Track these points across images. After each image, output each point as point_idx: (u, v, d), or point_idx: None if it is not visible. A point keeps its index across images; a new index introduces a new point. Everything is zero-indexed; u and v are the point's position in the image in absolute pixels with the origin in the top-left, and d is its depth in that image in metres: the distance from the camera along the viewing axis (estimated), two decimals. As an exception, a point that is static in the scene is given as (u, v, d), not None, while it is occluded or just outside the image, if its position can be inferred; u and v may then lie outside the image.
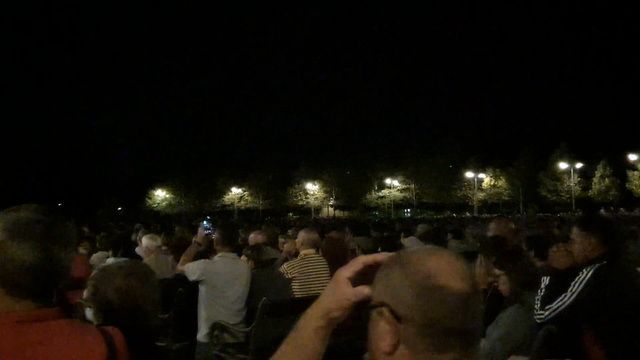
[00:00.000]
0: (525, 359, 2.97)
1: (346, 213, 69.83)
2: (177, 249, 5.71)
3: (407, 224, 18.58)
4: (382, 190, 68.27)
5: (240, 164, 70.06)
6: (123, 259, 4.79)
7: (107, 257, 5.87)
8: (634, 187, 56.88)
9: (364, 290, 1.07)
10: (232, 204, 69.99)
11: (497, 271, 3.46)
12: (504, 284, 3.40)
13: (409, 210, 70.30)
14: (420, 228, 10.01)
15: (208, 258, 5.12)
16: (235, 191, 69.37)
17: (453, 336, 0.97)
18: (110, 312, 1.83)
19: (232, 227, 5.47)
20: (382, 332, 1.00)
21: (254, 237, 6.45)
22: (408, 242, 8.47)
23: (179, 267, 4.88)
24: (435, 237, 7.42)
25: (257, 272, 4.92)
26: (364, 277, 1.10)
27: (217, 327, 4.54)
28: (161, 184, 70.55)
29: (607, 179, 59.33)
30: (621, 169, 58.39)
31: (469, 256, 4.87)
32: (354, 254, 6.24)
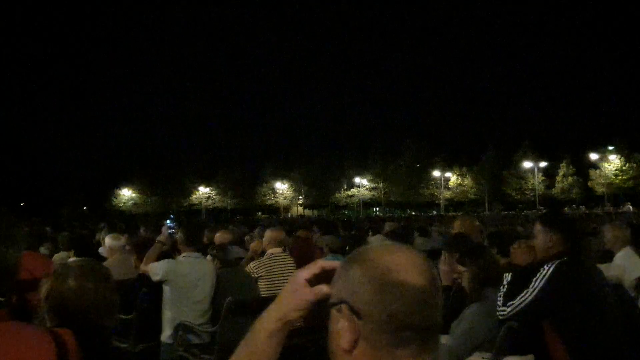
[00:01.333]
0: (488, 355, 2.99)
1: (315, 212, 69.95)
2: (141, 248, 5.60)
3: (375, 222, 18.70)
4: (351, 189, 68.63)
5: (208, 162, 69.54)
6: (81, 258, 4.68)
7: (69, 257, 5.74)
8: (595, 186, 58.38)
9: (323, 289, 1.07)
10: (200, 203, 69.37)
11: (460, 267, 3.49)
12: (466, 280, 3.43)
13: (377, 208, 70.85)
14: (388, 226, 10.08)
15: (172, 258, 5.04)
16: (203, 190, 68.78)
17: (412, 331, 0.96)
18: (65, 313, 1.77)
19: (196, 227, 5.41)
20: (341, 329, 1.00)
21: (220, 237, 6.39)
22: (375, 240, 8.51)
23: (142, 267, 4.80)
24: (402, 235, 7.47)
25: (222, 272, 4.87)
26: (322, 279, 1.09)
27: (181, 328, 4.47)
28: (127, 183, 69.48)
29: (569, 178, 60.76)
30: (583, 167, 59.86)
31: (435, 253, 4.91)
32: (321, 253, 6.23)
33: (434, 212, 57.52)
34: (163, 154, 79.62)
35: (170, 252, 5.61)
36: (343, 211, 69.10)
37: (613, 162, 57.06)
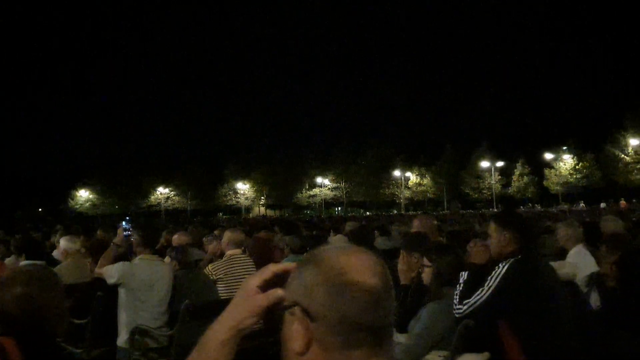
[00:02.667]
0: (445, 354, 3.03)
1: (277, 212, 69.76)
2: (96, 251, 5.47)
3: (336, 222, 18.74)
4: (313, 189, 68.73)
5: (166, 162, 68.46)
6: (30, 263, 4.56)
7: (20, 261, 5.55)
8: (550, 185, 59.97)
9: (276, 292, 1.06)
10: (159, 204, 68.30)
11: (425, 261, 3.52)
12: (428, 277, 3.47)
13: (339, 208, 71.19)
14: (349, 226, 10.11)
15: (128, 260, 4.94)
16: (162, 191, 67.74)
17: (365, 332, 0.97)
18: (9, 321, 1.70)
19: (152, 228, 5.32)
20: (294, 332, 0.99)
21: (178, 238, 6.29)
22: (336, 240, 8.51)
23: (97, 270, 4.69)
24: (363, 235, 7.50)
25: (180, 274, 4.80)
26: (274, 285, 1.08)
27: (138, 332, 4.39)
28: (84, 184, 67.83)
29: (525, 177, 62.25)
30: (539, 167, 61.41)
31: (395, 252, 4.95)
32: (282, 254, 6.21)
33: (395, 212, 58.17)
34: (121, 154, 78.29)
35: (126, 254, 5.50)
36: (305, 211, 69.19)
37: (567, 162, 58.72)
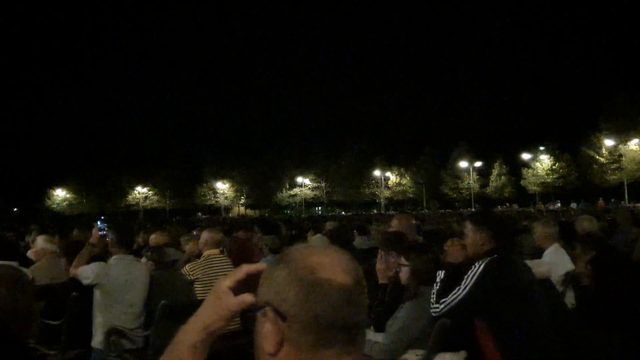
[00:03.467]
0: (422, 352, 3.04)
1: (257, 212, 69.60)
2: (71, 251, 5.38)
3: (316, 221, 18.77)
4: (293, 189, 68.72)
5: (145, 161, 67.83)
6: (2, 263, 4.45)
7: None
8: (527, 185, 60.78)
9: (247, 298, 1.06)
10: (138, 203, 67.67)
11: (403, 260, 3.53)
12: (406, 275, 3.48)
13: (319, 208, 71.31)
14: (328, 225, 10.14)
15: (104, 260, 4.87)
16: (141, 190, 67.14)
17: (337, 331, 0.96)
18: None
19: (128, 228, 5.26)
20: (266, 332, 0.99)
21: (155, 238, 6.24)
22: (315, 239, 8.52)
23: (72, 271, 4.62)
24: (342, 234, 7.53)
25: (157, 274, 4.76)
26: (247, 286, 1.08)
27: (113, 333, 4.33)
28: (61, 183, 66.94)
29: (503, 177, 63.07)
30: (516, 167, 62.25)
31: (374, 251, 4.96)
32: (262, 253, 6.18)
33: (374, 211, 58.45)
34: (99, 153, 77.34)
35: (102, 254, 5.43)
36: (285, 211, 69.17)
37: (544, 162, 59.59)
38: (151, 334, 4.24)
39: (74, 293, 4.66)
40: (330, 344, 0.96)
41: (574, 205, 46.63)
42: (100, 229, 4.87)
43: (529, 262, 4.58)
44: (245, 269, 1.10)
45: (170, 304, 4.18)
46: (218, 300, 1.09)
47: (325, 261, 0.99)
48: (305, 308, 0.95)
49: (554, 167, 58.86)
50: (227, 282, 1.09)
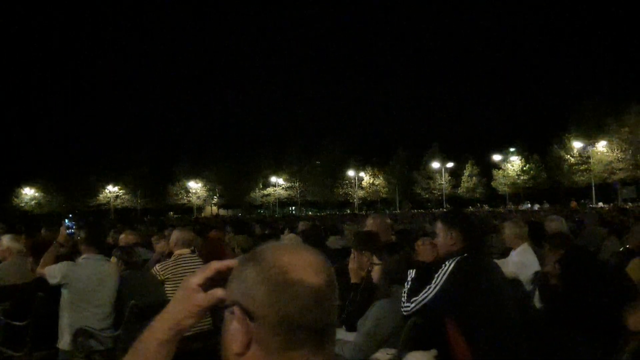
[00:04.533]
0: (393, 351, 3.05)
1: (230, 212, 69.17)
2: (38, 250, 5.28)
3: (289, 221, 18.77)
4: (267, 189, 68.47)
5: (115, 160, 66.54)
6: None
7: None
8: (498, 185, 61.67)
9: (217, 292, 1.04)
10: (108, 202, 66.63)
11: (375, 259, 3.55)
12: (377, 275, 3.49)
13: (293, 208, 71.22)
14: (302, 225, 10.14)
15: (72, 260, 4.78)
16: (111, 189, 66.13)
17: (306, 332, 0.94)
18: None
19: (98, 226, 5.17)
20: (233, 332, 0.97)
21: (125, 237, 6.15)
22: (288, 239, 8.51)
23: (39, 270, 4.53)
24: (315, 234, 7.54)
25: (126, 274, 4.69)
26: (216, 283, 1.06)
27: (81, 334, 4.25)
28: (29, 182, 65.49)
29: (474, 178, 63.83)
30: (487, 168, 63.10)
31: (347, 251, 4.97)
32: (234, 253, 6.14)
33: (348, 211, 58.65)
34: (68, 151, 75.87)
35: (70, 253, 5.34)
36: (259, 210, 68.89)
37: (514, 163, 60.54)
38: (120, 335, 4.17)
39: (40, 293, 4.57)
40: (299, 345, 0.94)
41: (537, 206, 47.43)
42: (68, 228, 4.78)
43: (498, 262, 4.65)
44: (215, 265, 1.08)
45: (139, 304, 4.13)
46: (186, 297, 1.06)
47: (297, 261, 0.97)
48: (275, 308, 0.93)
49: (524, 168, 59.85)
50: (196, 278, 1.07)
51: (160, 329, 1.07)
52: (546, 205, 45.87)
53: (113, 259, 4.98)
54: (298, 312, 0.93)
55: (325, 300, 0.96)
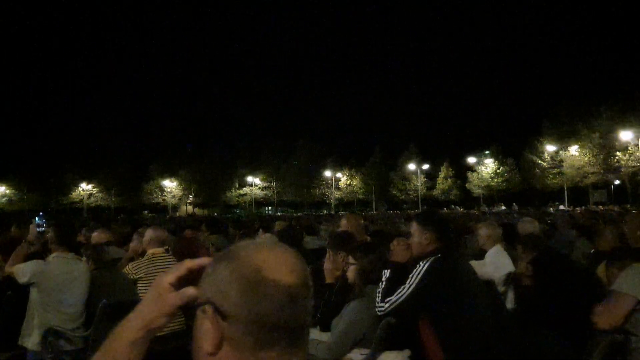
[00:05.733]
0: (367, 351, 3.05)
1: (206, 211, 68.66)
2: (7, 248, 5.17)
3: (265, 221, 18.67)
4: (243, 188, 68.16)
5: (89, 157, 65.65)
6: None
7: None
8: (472, 187, 62.41)
9: (189, 291, 1.01)
10: (82, 201, 65.63)
11: (350, 259, 3.55)
12: (353, 275, 3.49)
13: (269, 208, 71.02)
14: (278, 225, 10.12)
15: (42, 258, 4.69)
16: (85, 187, 65.16)
17: (279, 332, 0.93)
18: None
19: (69, 225, 5.07)
20: (205, 331, 0.95)
21: (97, 236, 6.05)
22: (264, 238, 8.47)
23: (7, 269, 4.45)
24: (291, 234, 7.50)
25: (98, 273, 4.61)
26: (189, 282, 1.04)
27: (51, 333, 4.17)
28: (1, 179, 64.17)
29: (449, 180, 64.55)
30: (462, 170, 63.85)
31: (323, 251, 4.97)
32: (208, 253, 6.09)
33: (325, 212, 58.73)
34: (41, 148, 74.62)
35: (41, 252, 5.23)
36: (235, 210, 68.55)
37: (489, 166, 61.33)
38: (91, 335, 4.10)
39: (8, 292, 4.48)
40: (272, 345, 0.93)
41: (503, 208, 48.14)
42: (38, 225, 4.68)
43: (473, 263, 4.69)
44: (187, 264, 1.06)
45: (111, 303, 4.06)
46: (158, 296, 1.04)
47: (271, 260, 0.96)
48: (247, 307, 0.91)
49: (498, 171, 60.65)
50: (168, 277, 1.05)
51: (130, 329, 1.04)
52: (516, 208, 46.43)
53: (84, 258, 4.90)
54: (271, 312, 0.92)
55: (299, 299, 0.95)
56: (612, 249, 4.41)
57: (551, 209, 38.84)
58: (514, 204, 52.34)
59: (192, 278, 1.04)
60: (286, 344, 0.94)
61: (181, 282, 1.04)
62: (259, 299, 0.92)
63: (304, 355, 0.98)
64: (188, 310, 1.03)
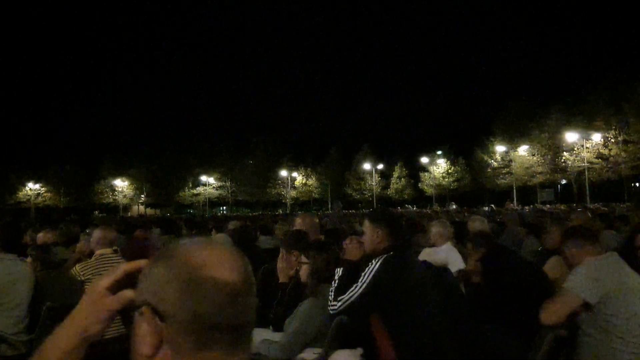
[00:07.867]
0: (319, 350, 3.04)
1: (158, 211, 67.44)
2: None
3: (219, 221, 18.46)
4: (197, 188, 67.25)
5: (37, 156, 63.65)
6: None
7: None
8: (425, 187, 63.50)
9: (126, 294, 0.98)
10: (29, 201, 63.44)
11: (304, 259, 3.53)
12: (306, 274, 3.48)
13: (224, 207, 70.32)
14: (231, 225, 10.00)
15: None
16: (32, 187, 63.01)
17: (220, 332, 0.89)
18: None
19: (12, 225, 4.88)
20: (143, 333, 0.91)
21: (42, 237, 5.85)
22: (217, 238, 8.37)
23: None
24: (245, 233, 7.44)
25: (43, 275, 4.45)
26: (127, 286, 1.00)
27: (-8, 338, 4.00)
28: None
29: (403, 180, 65.50)
30: (415, 170, 64.91)
31: (277, 251, 4.93)
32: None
33: (280, 211, 58.59)
34: (-16, 147, 71.71)
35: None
36: (188, 210, 67.57)
37: (441, 166, 62.51)
38: (35, 339, 3.96)
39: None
40: (212, 346, 0.89)
41: (454, 207, 49.07)
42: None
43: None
44: (124, 267, 1.02)
45: (56, 306, 3.93)
46: (94, 302, 1.00)
47: (210, 258, 0.92)
48: (185, 307, 0.88)
49: (449, 170, 61.87)
50: (104, 281, 1.01)
51: (64, 337, 1.00)
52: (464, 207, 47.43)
53: (29, 259, 4.73)
54: (211, 312, 0.88)
55: (240, 298, 0.92)
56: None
57: (513, 207, 39.79)
58: (459, 204, 53.27)
59: (130, 281, 1.00)
60: (228, 344, 0.91)
61: (118, 286, 1.00)
62: (198, 298, 0.88)
63: (247, 355, 0.95)
64: (126, 314, 0.99)
